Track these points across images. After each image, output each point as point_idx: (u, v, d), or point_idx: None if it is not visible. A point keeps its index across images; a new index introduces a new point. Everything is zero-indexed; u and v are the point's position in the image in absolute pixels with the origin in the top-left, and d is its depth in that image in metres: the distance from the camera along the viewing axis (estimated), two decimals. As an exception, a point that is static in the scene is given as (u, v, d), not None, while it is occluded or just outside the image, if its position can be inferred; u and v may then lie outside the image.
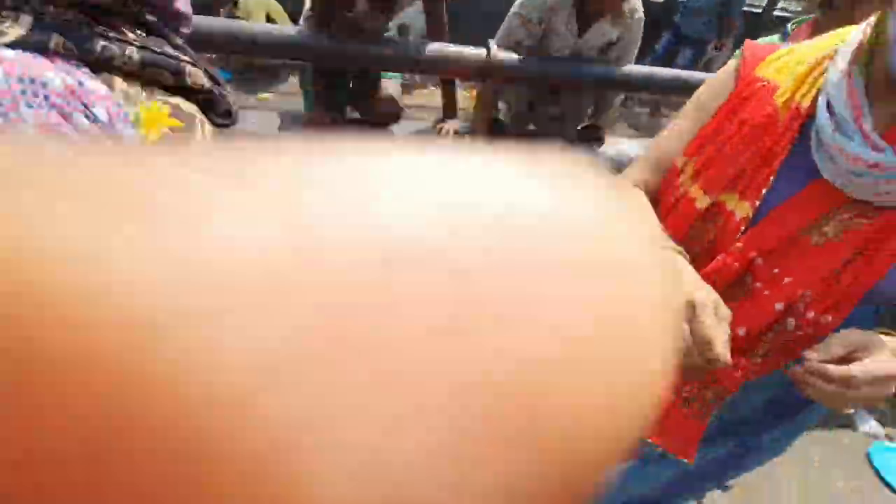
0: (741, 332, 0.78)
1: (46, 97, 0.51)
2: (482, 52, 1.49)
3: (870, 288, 0.71)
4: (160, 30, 0.72)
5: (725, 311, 0.71)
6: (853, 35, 0.73)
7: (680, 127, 0.89)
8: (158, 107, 0.65)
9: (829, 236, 0.73)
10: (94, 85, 0.56)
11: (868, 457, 2.04)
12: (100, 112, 0.56)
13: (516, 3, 1.55)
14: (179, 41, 0.75)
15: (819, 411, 0.92)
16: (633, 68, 1.61)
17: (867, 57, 0.71)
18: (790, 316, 0.76)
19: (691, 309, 0.71)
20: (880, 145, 0.67)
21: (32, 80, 0.51)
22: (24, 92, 0.50)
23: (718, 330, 0.68)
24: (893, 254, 0.70)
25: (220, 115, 0.76)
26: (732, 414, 0.88)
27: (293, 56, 1.52)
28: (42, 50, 0.53)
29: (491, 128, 1.67)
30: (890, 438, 2.16)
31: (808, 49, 0.79)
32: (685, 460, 0.84)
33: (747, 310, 0.78)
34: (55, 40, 0.54)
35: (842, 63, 0.72)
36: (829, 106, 0.72)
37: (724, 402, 0.84)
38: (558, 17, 1.54)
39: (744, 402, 0.86)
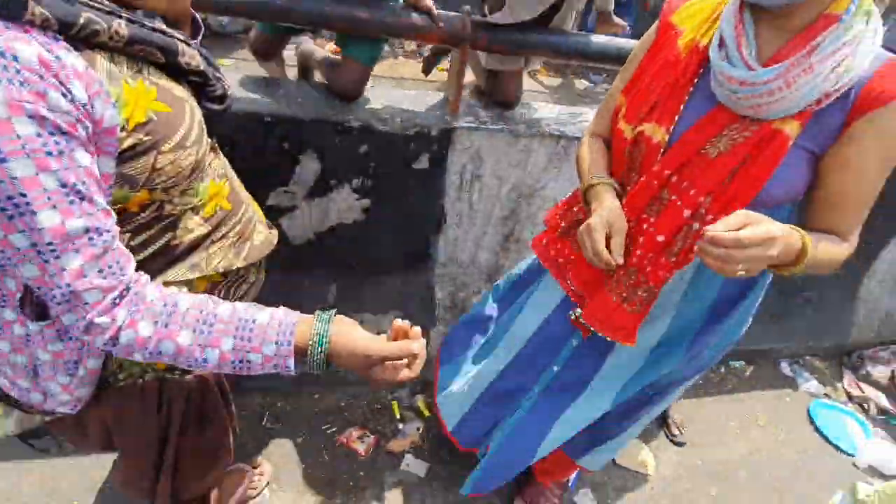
0: (660, 238, 0.96)
1: (18, 70, 0.48)
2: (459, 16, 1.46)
3: (757, 191, 0.86)
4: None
5: (620, 226, 0.94)
6: None
7: (622, 77, 1.07)
8: (145, 87, 0.62)
9: (722, 150, 0.88)
10: (72, 60, 0.53)
11: (808, 414, 2.20)
12: (77, 91, 0.53)
13: None
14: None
15: (746, 316, 1.13)
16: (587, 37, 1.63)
17: None
18: (695, 220, 0.92)
19: (587, 228, 0.94)
20: (753, 66, 0.83)
21: (2, 54, 0.47)
22: None
23: (600, 244, 0.91)
24: (771, 161, 0.85)
25: (212, 99, 0.75)
26: (683, 319, 1.08)
27: (257, 16, 1.44)
28: (16, 17, 0.50)
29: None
30: (828, 396, 2.33)
31: None
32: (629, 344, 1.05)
33: (664, 219, 0.95)
34: (31, 8, 0.50)
35: (733, 5, 0.87)
36: (721, 40, 0.87)
37: (663, 301, 1.03)
38: None
39: (690, 308, 1.06)
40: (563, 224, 1.14)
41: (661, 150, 0.93)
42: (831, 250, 0.85)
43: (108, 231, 0.60)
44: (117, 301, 0.61)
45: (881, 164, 0.82)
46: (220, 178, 0.82)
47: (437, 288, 1.96)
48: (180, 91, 0.69)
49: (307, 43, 1.94)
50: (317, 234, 1.71)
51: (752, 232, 0.71)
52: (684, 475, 1.86)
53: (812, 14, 0.80)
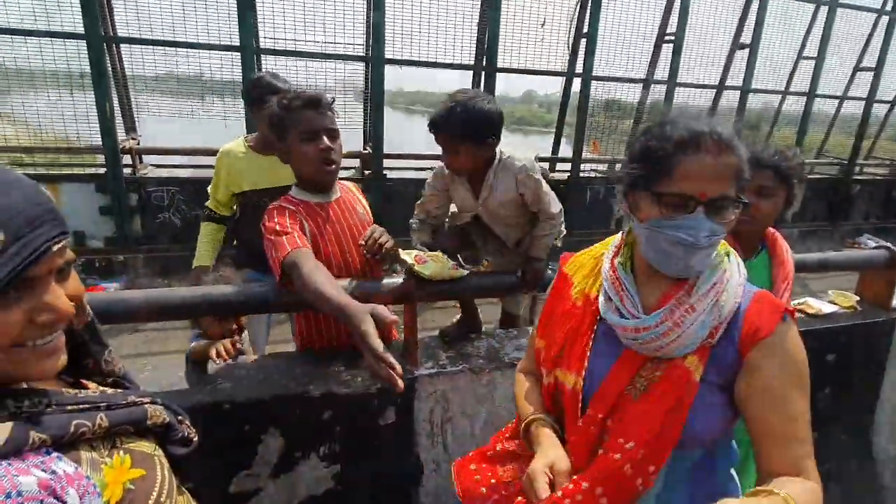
0: (598, 491, 0.89)
1: None
2: (398, 280, 1.60)
3: (677, 436, 0.86)
4: (122, 375, 0.76)
5: (562, 467, 0.91)
6: (616, 239, 1.02)
7: (539, 318, 1.12)
8: (120, 460, 0.67)
9: (641, 391, 0.90)
10: (64, 467, 0.58)
11: None
12: (71, 497, 0.57)
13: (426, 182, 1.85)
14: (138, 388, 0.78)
15: None
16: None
17: (629, 252, 0.99)
18: (628, 464, 0.89)
19: (528, 477, 0.91)
20: (638, 315, 0.91)
21: (9, 494, 0.52)
22: None
23: (544, 492, 0.88)
24: (685, 398, 0.87)
25: (176, 442, 0.79)
26: None
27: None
28: (20, 452, 0.55)
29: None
30: None
31: (589, 251, 1.08)
32: None
33: (600, 467, 0.90)
34: (32, 437, 0.56)
35: (607, 262, 1.00)
36: (607, 295, 0.96)
37: None
38: (456, 183, 1.81)
39: None
40: (497, 447, 1.12)
41: (580, 395, 0.96)
42: (813, 496, 0.81)
43: None
44: None
45: (788, 384, 0.86)
46: None
47: (427, 547, 1.76)
48: (148, 447, 0.73)
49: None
50: (286, 514, 1.58)
51: None
52: None
53: None
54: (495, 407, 1.73)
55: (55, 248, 0.58)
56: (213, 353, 1.60)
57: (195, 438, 0.84)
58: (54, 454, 0.59)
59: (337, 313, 1.19)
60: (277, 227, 1.44)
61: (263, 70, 4.26)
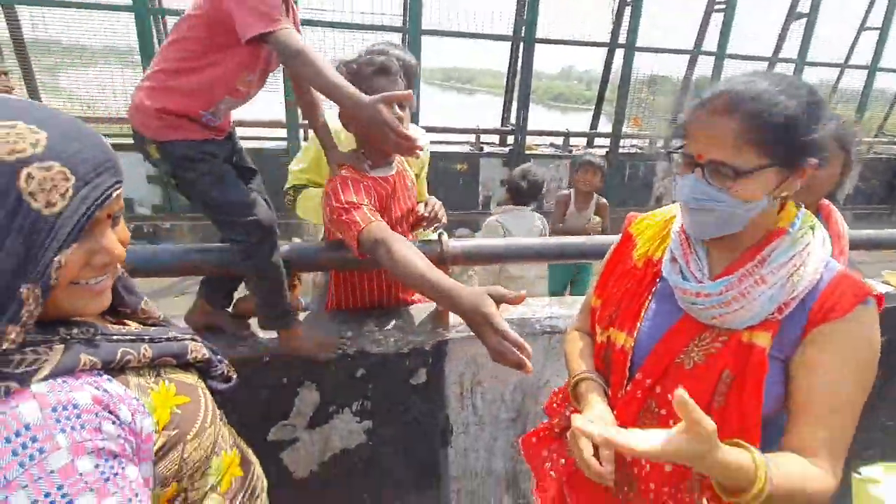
0: (668, 468, 0.88)
1: (79, 416, 0.57)
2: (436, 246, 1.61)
3: (758, 411, 0.81)
4: (161, 319, 0.81)
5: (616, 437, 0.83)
6: None
7: (597, 277, 1.11)
8: (166, 387, 0.71)
9: (696, 361, 0.87)
10: (114, 388, 0.63)
11: None
12: (124, 413, 0.62)
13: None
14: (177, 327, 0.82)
15: None
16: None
17: None
18: None
19: (572, 435, 0.87)
20: (702, 280, 0.88)
21: (65, 407, 0.56)
22: (58, 420, 0.55)
23: (587, 451, 0.84)
24: (758, 379, 0.82)
25: (216, 378, 0.84)
26: None
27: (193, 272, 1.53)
28: (72, 372, 0.60)
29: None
30: None
31: (661, 212, 1.05)
32: None
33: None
34: (84, 360, 0.60)
35: (677, 224, 0.97)
36: (673, 257, 0.94)
37: None
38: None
39: None
40: (556, 420, 1.11)
41: (629, 355, 0.95)
42: (804, 482, 0.75)
43: None
44: None
45: (846, 370, 0.80)
46: (231, 448, 0.86)
47: (454, 506, 1.81)
48: (191, 378, 0.78)
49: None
50: (320, 464, 1.65)
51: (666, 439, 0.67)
52: None
53: (759, 233, 0.87)
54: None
55: (114, 194, 0.62)
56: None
57: (234, 376, 0.89)
58: (105, 376, 0.63)
59: (440, 297, 1.05)
60: (347, 201, 1.33)
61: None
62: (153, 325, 0.79)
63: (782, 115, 0.77)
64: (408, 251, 1.17)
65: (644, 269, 1.00)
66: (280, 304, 1.42)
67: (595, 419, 0.89)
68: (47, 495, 0.53)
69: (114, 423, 0.60)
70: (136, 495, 0.61)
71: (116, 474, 0.59)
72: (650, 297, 0.97)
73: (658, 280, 0.97)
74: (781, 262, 0.83)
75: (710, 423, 0.66)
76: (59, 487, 0.54)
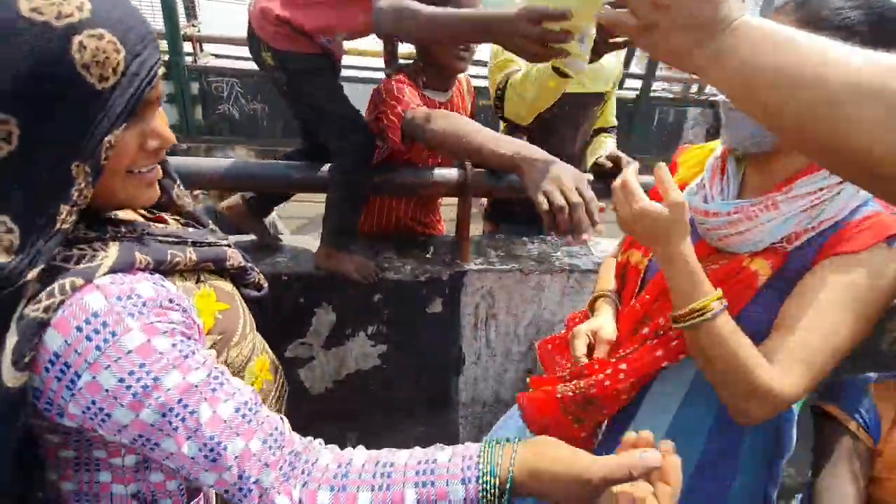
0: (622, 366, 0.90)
1: (144, 303, 0.56)
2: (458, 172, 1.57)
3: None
4: (197, 216, 0.80)
5: (604, 335, 0.96)
6: None
7: None
8: (207, 292, 0.71)
9: None
10: (169, 286, 0.62)
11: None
12: (185, 304, 0.61)
13: None
14: (210, 222, 0.82)
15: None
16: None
17: None
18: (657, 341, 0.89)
19: (573, 333, 0.98)
20: (716, 198, 0.87)
21: (129, 297, 0.56)
22: (124, 307, 0.55)
23: (580, 350, 0.95)
24: (740, 298, 0.82)
25: (249, 286, 0.84)
26: None
27: (285, 188, 1.59)
28: (129, 268, 0.59)
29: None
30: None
31: (710, 144, 1.02)
32: None
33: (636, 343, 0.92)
34: (139, 258, 0.59)
35: (718, 150, 0.94)
36: (701, 180, 0.92)
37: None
38: None
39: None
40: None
41: (641, 273, 0.98)
42: (749, 355, 0.73)
43: (252, 398, 0.61)
44: (288, 474, 0.60)
45: (838, 303, 0.74)
46: (262, 353, 0.87)
47: (461, 430, 1.87)
48: (228, 286, 0.78)
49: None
50: (335, 383, 1.70)
51: (637, 194, 0.78)
52: None
53: (799, 162, 0.81)
54: (541, 309, 1.74)
55: (159, 72, 0.58)
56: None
57: (265, 285, 0.88)
58: (156, 275, 0.62)
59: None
60: (397, 98, 1.34)
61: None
62: (187, 223, 0.78)
63: (842, 23, 0.71)
64: (452, 118, 1.20)
65: None
66: (353, 222, 1.50)
67: (595, 327, 0.97)
68: (132, 373, 0.53)
69: (175, 310, 0.59)
70: (216, 368, 0.60)
71: (194, 352, 0.59)
72: None
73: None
74: (803, 192, 0.78)
75: (679, 196, 0.76)
76: (142, 365, 0.54)
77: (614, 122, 1.97)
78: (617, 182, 0.83)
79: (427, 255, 1.66)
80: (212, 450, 0.57)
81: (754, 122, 0.76)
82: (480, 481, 0.57)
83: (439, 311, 1.67)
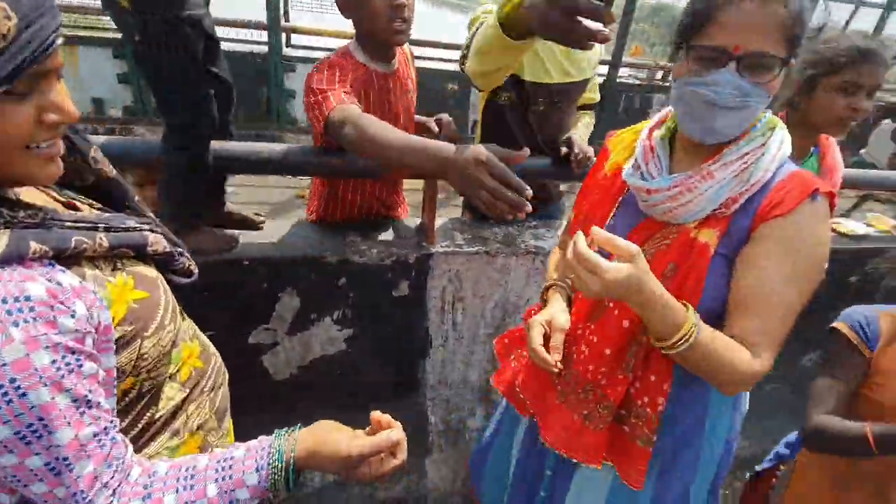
0: (607, 351, 0.95)
1: (32, 308, 0.53)
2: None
3: (696, 303, 0.85)
4: (117, 197, 0.75)
5: (558, 324, 0.98)
6: (661, 113, 1.01)
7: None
8: (123, 280, 0.67)
9: (647, 258, 0.87)
10: (68, 280, 0.58)
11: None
12: (79, 307, 0.58)
13: None
14: (134, 202, 0.77)
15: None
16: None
17: (672, 124, 0.95)
18: (640, 333, 0.91)
19: (527, 325, 0.99)
20: (654, 176, 0.90)
21: (17, 298, 0.53)
22: (9, 312, 0.51)
23: (536, 340, 0.96)
24: (700, 272, 0.85)
25: (178, 273, 0.80)
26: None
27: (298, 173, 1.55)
28: (21, 260, 0.55)
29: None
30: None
31: (635, 127, 1.06)
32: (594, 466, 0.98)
33: (604, 328, 0.95)
34: (33, 248, 0.55)
35: (645, 132, 0.98)
36: (635, 161, 0.95)
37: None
38: None
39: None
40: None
41: None
42: (729, 350, 0.81)
43: (113, 427, 0.63)
44: (115, 491, 0.63)
45: (784, 268, 0.82)
46: (192, 340, 0.84)
47: (429, 412, 1.88)
48: (151, 272, 0.74)
49: None
50: (300, 368, 1.68)
51: (593, 259, 0.75)
52: None
53: (724, 139, 0.86)
54: (507, 292, 1.75)
55: (57, 41, 0.55)
56: None
57: (195, 270, 0.85)
58: (58, 267, 0.59)
59: (427, 158, 0.87)
60: (318, 88, 1.25)
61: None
62: (105, 188, 0.74)
63: (802, 9, 0.77)
64: (378, 125, 1.03)
65: (612, 178, 1.02)
66: (194, 199, 1.38)
67: (548, 316, 0.99)
68: (0, 387, 0.51)
69: (70, 316, 0.56)
70: (90, 391, 0.59)
71: (73, 370, 0.57)
72: (617, 205, 0.99)
73: (627, 190, 0.99)
74: (732, 158, 0.84)
75: (633, 246, 0.75)
76: (13, 380, 0.52)
77: (596, 97, 1.97)
78: (570, 256, 0.77)
79: (393, 239, 1.64)
80: (57, 470, 0.57)
81: (742, 119, 0.82)
82: (270, 466, 0.69)
83: (406, 294, 1.66)
